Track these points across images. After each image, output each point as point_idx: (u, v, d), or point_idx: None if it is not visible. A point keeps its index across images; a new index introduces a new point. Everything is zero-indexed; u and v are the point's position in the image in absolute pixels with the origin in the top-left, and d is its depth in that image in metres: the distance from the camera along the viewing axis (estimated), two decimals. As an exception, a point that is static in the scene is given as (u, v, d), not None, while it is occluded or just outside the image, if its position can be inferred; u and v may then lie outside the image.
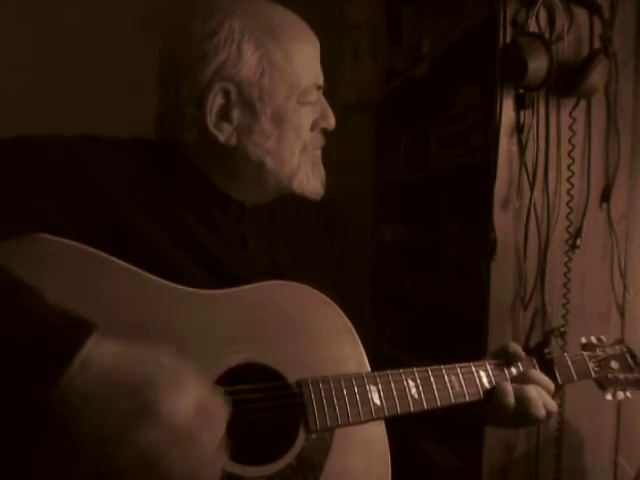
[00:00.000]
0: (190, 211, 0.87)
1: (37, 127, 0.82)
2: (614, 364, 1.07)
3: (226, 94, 0.86)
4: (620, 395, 1.06)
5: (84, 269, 0.75)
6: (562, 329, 1.04)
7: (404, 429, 0.91)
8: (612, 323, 1.51)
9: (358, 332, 0.90)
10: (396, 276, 2.32)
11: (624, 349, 1.09)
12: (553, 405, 0.96)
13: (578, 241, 1.47)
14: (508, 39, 1.40)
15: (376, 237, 2.52)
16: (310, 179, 0.93)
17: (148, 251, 0.80)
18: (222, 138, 0.87)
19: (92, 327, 0.64)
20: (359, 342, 0.89)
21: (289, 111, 0.89)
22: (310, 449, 0.80)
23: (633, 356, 1.09)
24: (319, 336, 0.86)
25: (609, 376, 1.06)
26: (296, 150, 0.91)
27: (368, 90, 2.33)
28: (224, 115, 0.87)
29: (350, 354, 0.88)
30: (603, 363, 1.06)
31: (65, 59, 2.51)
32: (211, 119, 0.86)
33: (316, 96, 0.93)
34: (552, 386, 0.97)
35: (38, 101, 2.35)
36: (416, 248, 2.23)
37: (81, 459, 0.62)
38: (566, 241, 1.48)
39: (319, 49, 0.94)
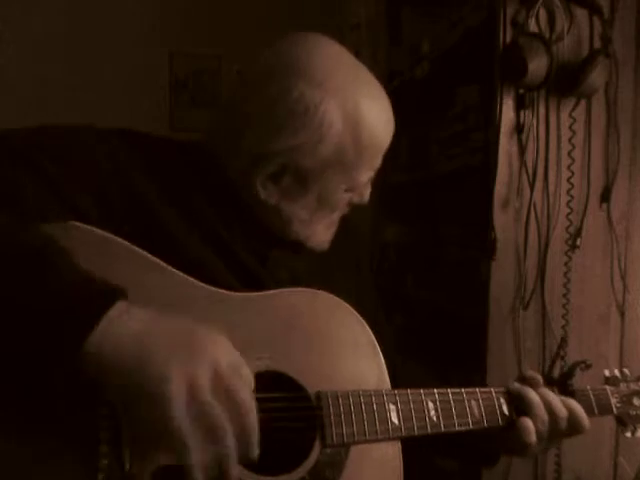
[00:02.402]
0: (217, 215, 0.87)
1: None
2: (636, 401, 1.04)
3: (284, 167, 0.85)
4: (639, 433, 1.04)
5: (112, 260, 0.74)
6: (588, 362, 1.02)
7: (417, 442, 0.90)
8: (612, 323, 1.51)
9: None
10: (396, 276, 2.31)
11: None
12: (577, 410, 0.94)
13: (578, 241, 1.47)
14: (508, 39, 1.40)
15: (376, 237, 2.51)
16: (323, 237, 0.94)
17: (176, 250, 0.80)
18: (263, 195, 0.86)
19: (124, 289, 0.66)
20: (381, 357, 0.88)
21: (335, 196, 0.90)
22: (324, 464, 0.79)
23: None
24: (342, 348, 0.85)
25: (630, 413, 1.03)
26: (324, 221, 0.92)
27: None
28: (273, 178, 0.86)
29: (371, 369, 0.87)
30: (625, 399, 1.03)
31: (70, 58, 2.52)
32: (261, 178, 0.85)
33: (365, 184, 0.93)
34: (563, 412, 0.94)
35: (42, 100, 2.35)
36: (416, 248, 2.23)
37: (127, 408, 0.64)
38: (566, 241, 1.48)
39: (392, 135, 0.93)
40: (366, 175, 0.91)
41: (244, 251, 0.89)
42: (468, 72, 1.74)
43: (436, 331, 1.97)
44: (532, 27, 1.39)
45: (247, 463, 0.69)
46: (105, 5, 2.59)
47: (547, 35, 1.40)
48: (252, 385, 0.68)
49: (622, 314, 1.52)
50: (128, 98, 2.54)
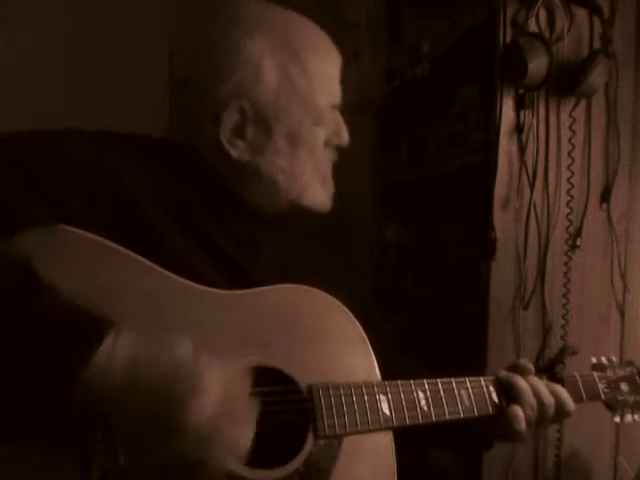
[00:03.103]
0: (206, 212, 0.88)
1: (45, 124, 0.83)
2: (624, 386, 1.06)
3: (242, 112, 0.86)
4: (628, 418, 1.05)
5: (103, 263, 0.75)
6: (575, 348, 1.03)
7: (411, 434, 0.90)
8: (612, 323, 1.51)
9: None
10: (396, 276, 2.31)
11: (634, 371, 1.08)
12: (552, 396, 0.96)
13: (578, 241, 1.48)
14: (508, 39, 1.40)
15: (376, 237, 2.52)
16: (319, 193, 0.94)
17: (165, 250, 0.80)
18: (235, 154, 0.88)
19: (112, 323, 0.65)
20: (371, 352, 0.89)
21: (303, 131, 0.90)
22: (318, 455, 0.80)
23: None
24: (332, 343, 0.86)
25: (618, 398, 1.05)
26: (308, 167, 0.91)
27: (368, 90, 2.33)
28: (238, 132, 0.87)
29: (361, 363, 0.88)
30: (613, 385, 1.05)
31: (70, 58, 2.52)
32: (225, 135, 0.87)
33: (331, 116, 0.93)
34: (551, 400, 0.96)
35: (42, 100, 2.35)
36: (416, 248, 2.23)
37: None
38: (566, 241, 1.48)
39: (340, 65, 0.94)
40: (324, 100, 0.91)
41: (235, 247, 0.89)
42: (468, 72, 1.74)
43: (436, 331, 1.97)
44: (532, 27, 1.39)
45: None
46: (105, 5, 2.59)
47: (547, 35, 1.40)
48: (252, 405, 0.69)
49: (622, 314, 1.52)
50: (128, 98, 2.54)
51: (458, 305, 1.70)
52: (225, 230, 0.89)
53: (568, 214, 1.47)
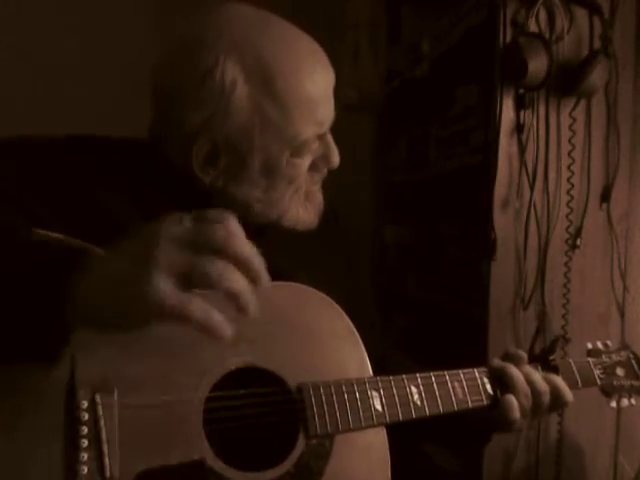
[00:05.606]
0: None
1: (38, 127, 0.83)
2: (620, 371, 1.05)
3: (214, 144, 0.82)
4: (625, 402, 1.05)
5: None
6: (567, 336, 1.03)
7: (407, 432, 0.90)
8: (612, 323, 1.51)
9: (361, 334, 0.89)
10: (396, 276, 2.31)
11: (630, 355, 1.08)
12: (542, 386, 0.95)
13: (578, 241, 1.48)
14: (508, 39, 1.40)
15: (376, 238, 2.51)
16: (301, 214, 0.90)
17: None
18: (208, 181, 0.84)
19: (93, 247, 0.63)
20: (361, 345, 0.88)
21: (281, 164, 0.84)
22: (309, 455, 0.79)
23: (639, 363, 1.08)
24: (321, 339, 0.85)
25: (614, 383, 1.04)
26: (287, 195, 0.87)
27: (368, 90, 2.33)
28: (211, 161, 0.83)
29: (352, 357, 0.87)
30: (609, 370, 1.05)
31: (67, 58, 2.52)
32: (197, 163, 0.83)
33: (316, 145, 0.87)
34: (546, 388, 0.95)
35: (40, 101, 2.35)
36: (416, 248, 2.23)
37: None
38: (566, 241, 1.48)
39: (331, 83, 0.86)
40: (308, 131, 0.84)
41: None
42: (468, 72, 1.74)
43: (436, 331, 1.97)
44: (532, 27, 1.39)
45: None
46: (105, 5, 2.59)
47: (547, 35, 1.40)
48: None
49: (622, 314, 1.52)
50: (128, 98, 2.54)
51: (458, 305, 1.70)
52: None
53: (568, 214, 1.47)
